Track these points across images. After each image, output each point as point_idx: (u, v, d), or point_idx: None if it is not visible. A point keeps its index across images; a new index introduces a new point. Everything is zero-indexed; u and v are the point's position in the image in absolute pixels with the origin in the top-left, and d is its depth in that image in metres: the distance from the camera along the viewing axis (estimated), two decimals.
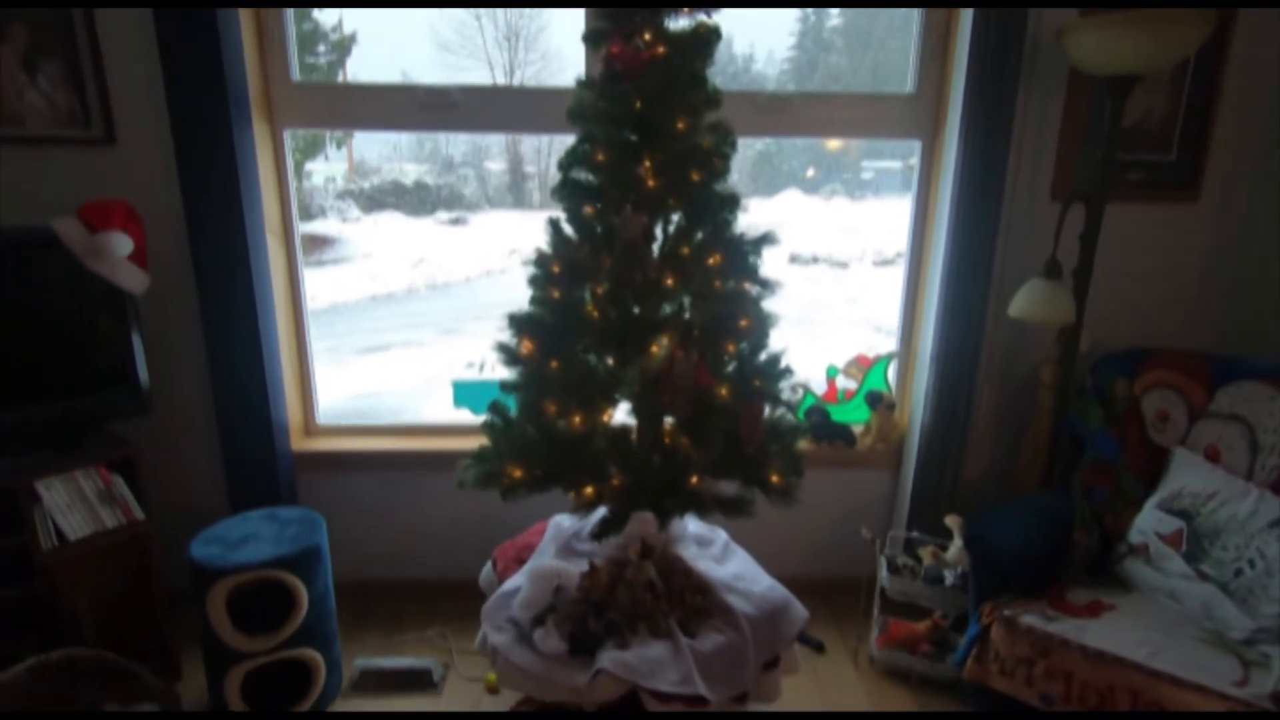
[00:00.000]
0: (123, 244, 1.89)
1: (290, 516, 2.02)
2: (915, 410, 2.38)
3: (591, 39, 1.54)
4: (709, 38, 1.52)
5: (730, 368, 1.64)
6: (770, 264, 1.66)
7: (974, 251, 2.16)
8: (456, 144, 5.25)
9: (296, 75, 2.22)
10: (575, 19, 2.23)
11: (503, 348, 1.68)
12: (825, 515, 2.49)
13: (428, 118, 2.24)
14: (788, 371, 1.66)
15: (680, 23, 1.54)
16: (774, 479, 1.58)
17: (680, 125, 1.52)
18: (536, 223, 1.67)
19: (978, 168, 2.10)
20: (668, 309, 1.55)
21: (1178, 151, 2.23)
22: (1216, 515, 1.81)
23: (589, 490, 1.54)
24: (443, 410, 2.55)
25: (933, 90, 2.26)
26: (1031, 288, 1.97)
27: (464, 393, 2.51)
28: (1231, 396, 1.94)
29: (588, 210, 1.60)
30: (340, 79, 3.34)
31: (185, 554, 1.82)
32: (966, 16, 2.03)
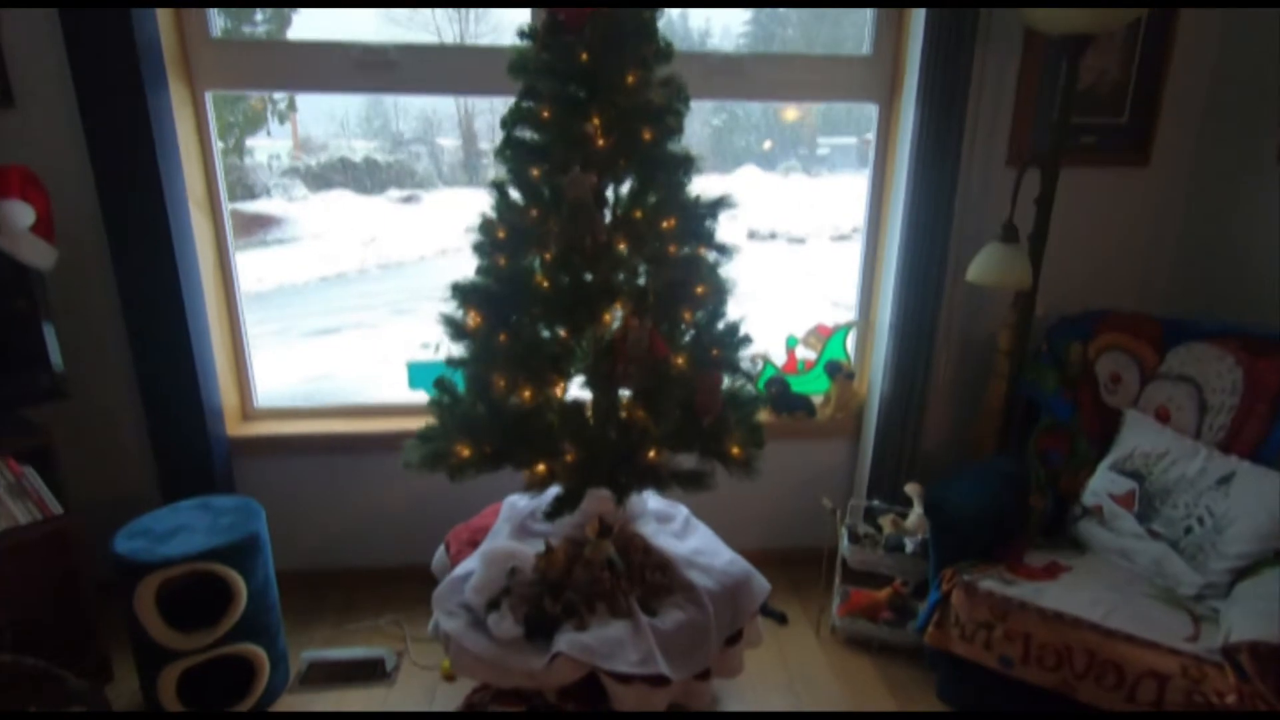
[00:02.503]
0: (23, 214, 1.72)
1: (225, 505, 1.90)
2: (874, 379, 2.36)
3: None
4: None
5: (687, 337, 1.58)
6: (728, 235, 1.60)
7: (931, 217, 2.13)
8: (407, 120, 5.04)
9: (216, 31, 2.06)
10: None
11: (449, 321, 1.59)
12: (785, 486, 2.47)
13: (365, 78, 2.11)
14: (746, 340, 1.61)
15: None
16: (734, 451, 1.53)
17: (630, 79, 1.43)
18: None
19: (935, 131, 2.07)
20: (620, 276, 1.48)
21: (1129, 115, 2.23)
22: (1167, 475, 1.83)
23: (541, 468, 1.46)
24: (398, 393, 2.44)
25: (889, 52, 2.22)
26: (989, 252, 1.95)
27: (419, 374, 2.41)
28: (1181, 358, 1.97)
29: (534, 172, 1.51)
30: None
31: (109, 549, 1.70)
32: None
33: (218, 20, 2.05)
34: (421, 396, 2.40)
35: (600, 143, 1.45)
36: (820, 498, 2.40)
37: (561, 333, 1.46)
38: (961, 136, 2.09)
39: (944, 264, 2.19)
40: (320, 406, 2.42)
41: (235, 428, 2.27)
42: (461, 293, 1.51)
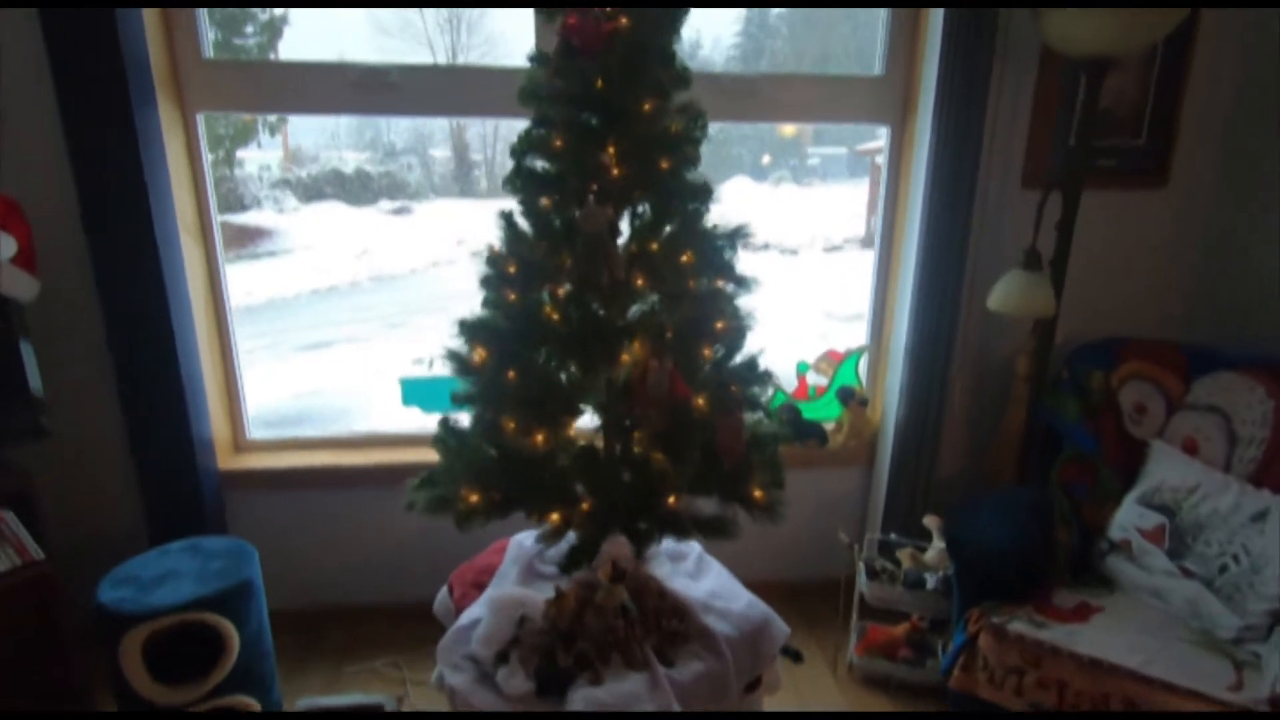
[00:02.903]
0: (4, 245, 1.63)
1: (216, 548, 1.81)
2: (888, 405, 2.30)
3: (545, 9, 1.37)
4: (677, 8, 1.37)
5: (705, 372, 1.50)
6: (747, 265, 1.53)
7: (947, 241, 2.08)
8: (398, 131, 4.96)
9: (209, 52, 1.98)
10: None
11: (453, 355, 1.51)
12: (798, 516, 2.39)
13: (363, 100, 2.03)
14: (766, 375, 1.53)
15: None
16: (756, 494, 1.45)
17: (646, 107, 1.36)
18: (484, 212, 1.50)
19: (951, 153, 2.01)
20: (637, 311, 1.40)
21: (1147, 136, 2.18)
22: (1198, 510, 1.77)
23: (555, 517, 1.38)
24: (391, 409, 2.35)
25: (902, 72, 2.16)
26: (1010, 279, 1.89)
27: (412, 390, 2.32)
28: (1208, 387, 1.91)
29: (544, 202, 1.44)
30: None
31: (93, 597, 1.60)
32: None
33: (209, 39, 1.96)
34: (415, 419, 2.32)
35: (615, 172, 1.38)
36: (834, 528, 2.33)
37: (575, 372, 1.38)
38: (978, 158, 2.04)
39: (960, 287, 2.14)
40: (317, 438, 2.33)
41: (227, 461, 2.18)
42: (469, 330, 1.43)
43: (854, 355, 2.37)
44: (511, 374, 1.42)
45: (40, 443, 1.78)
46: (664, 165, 1.38)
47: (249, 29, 3.19)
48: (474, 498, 1.40)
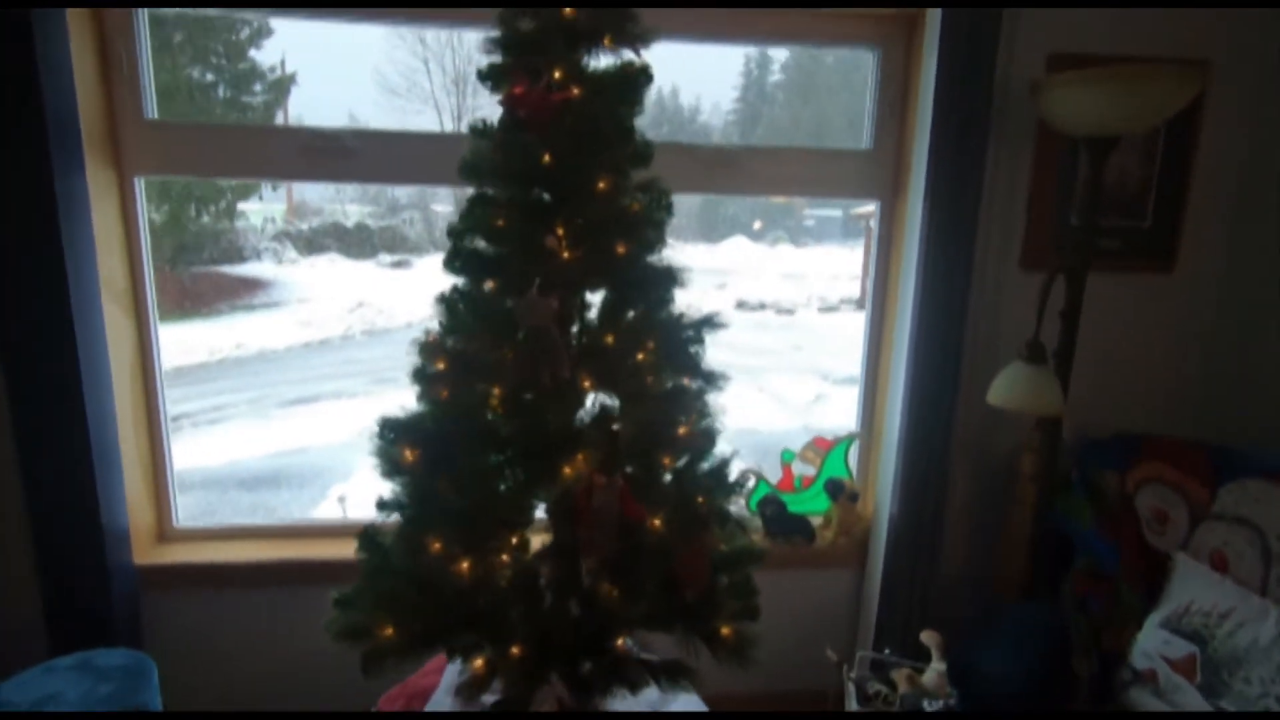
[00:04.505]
0: None
1: (110, 664, 1.58)
2: (881, 500, 2.09)
3: (490, 78, 1.23)
4: (637, 80, 1.23)
5: (666, 481, 1.31)
6: (718, 312, 1.35)
7: (943, 323, 1.92)
8: (404, 186, 4.87)
9: (152, 112, 1.85)
10: None
11: (382, 453, 1.31)
12: (782, 622, 2.15)
13: (316, 166, 1.89)
14: (737, 486, 1.34)
15: (602, 61, 1.25)
16: (724, 631, 1.24)
17: (602, 185, 1.21)
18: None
19: (945, 232, 1.87)
20: (585, 414, 1.22)
21: (1153, 218, 2.05)
22: (1235, 639, 1.55)
23: (479, 663, 1.17)
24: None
25: (892, 146, 2.04)
26: (1012, 373, 1.71)
27: None
28: (1236, 496, 1.72)
29: (488, 285, 1.27)
30: (280, 120, 2.97)
31: None
32: (929, 66, 1.82)
33: (151, 97, 1.84)
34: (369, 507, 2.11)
35: (566, 255, 1.22)
36: (821, 635, 2.10)
37: (513, 484, 1.19)
38: (973, 237, 1.90)
39: (956, 373, 1.96)
40: (255, 526, 2.11)
41: (146, 554, 1.96)
42: (394, 430, 1.24)
43: (843, 444, 2.18)
44: (442, 481, 1.23)
45: None
46: (621, 250, 1.22)
47: (257, 87, 3.13)
48: (388, 631, 1.19)
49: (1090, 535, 1.81)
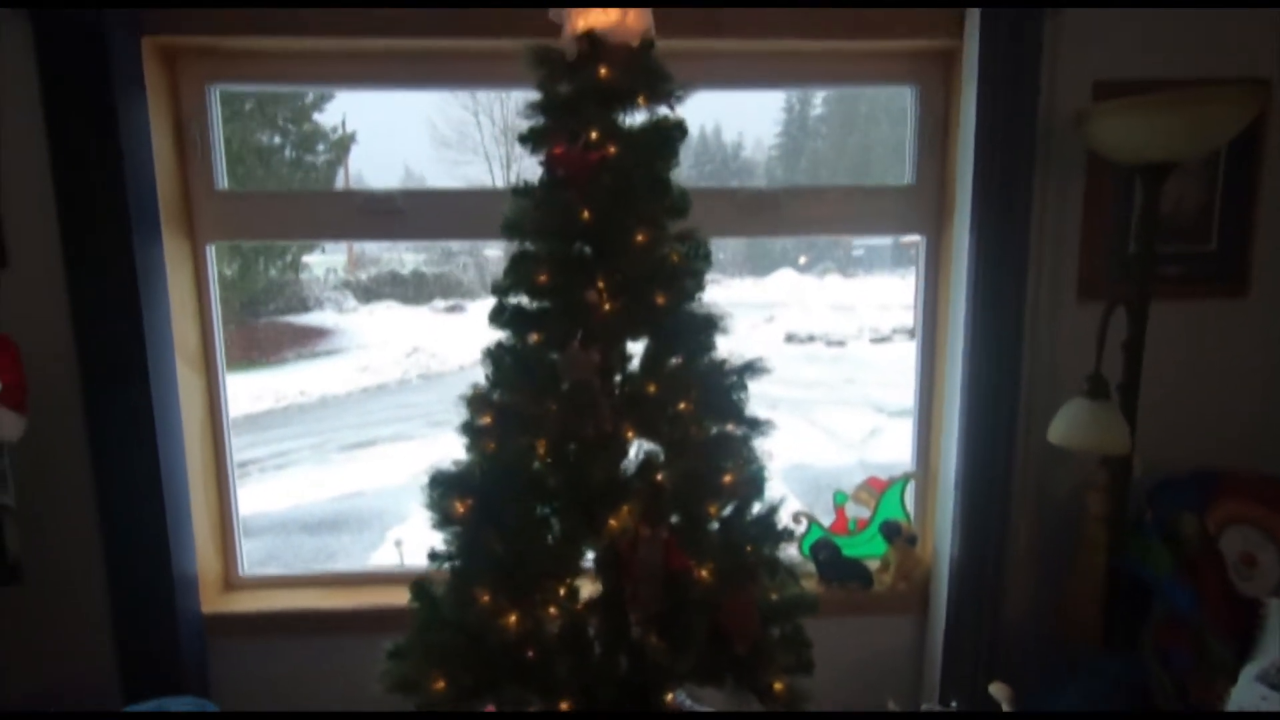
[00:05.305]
0: None
1: (178, 711, 1.63)
2: (940, 543, 2.02)
3: (531, 140, 1.28)
4: (671, 134, 1.26)
5: (712, 530, 1.30)
6: (766, 345, 1.35)
7: (996, 360, 1.86)
8: None
9: (223, 182, 1.98)
10: None
11: (434, 505, 1.34)
12: (840, 672, 2.08)
13: (369, 226, 1.99)
14: (787, 533, 1.32)
15: (636, 118, 1.29)
16: (776, 686, 1.21)
17: (640, 238, 1.24)
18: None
19: (994, 266, 1.82)
20: (630, 463, 1.23)
21: (1219, 240, 1.96)
22: None
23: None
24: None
25: (934, 181, 2.02)
26: (1074, 410, 1.65)
27: None
28: None
29: (533, 338, 1.31)
30: (340, 177, 3.18)
31: None
32: (969, 100, 1.80)
33: (221, 169, 1.97)
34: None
35: (606, 308, 1.24)
36: (882, 686, 2.01)
37: (560, 536, 1.20)
38: (1025, 270, 1.85)
39: (1014, 409, 1.89)
40: (319, 574, 2.17)
41: (213, 602, 2.03)
42: (444, 483, 1.27)
43: (898, 484, 2.12)
44: (490, 533, 1.25)
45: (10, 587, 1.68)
46: (660, 300, 1.24)
47: (320, 147, 3.35)
48: (439, 684, 1.20)
49: (1169, 581, 1.70)
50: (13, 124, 1.74)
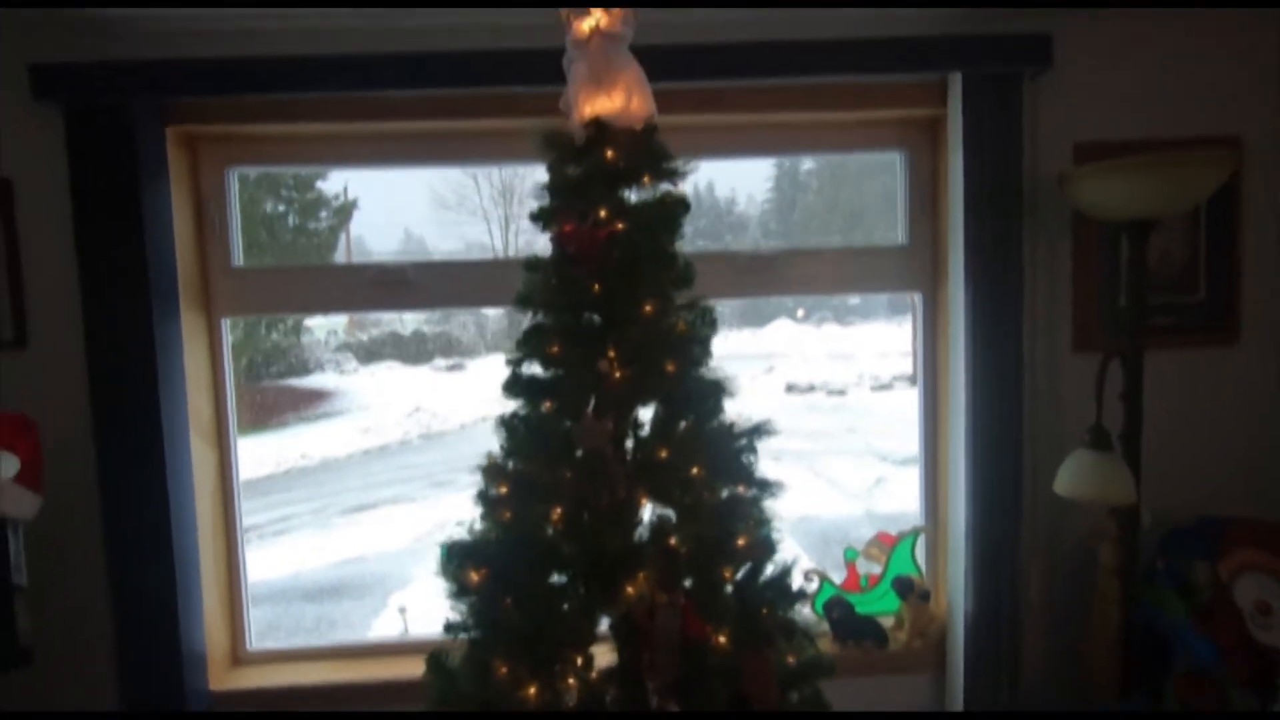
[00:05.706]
0: (7, 465, 1.61)
1: None
2: (955, 596, 2.01)
3: (541, 219, 1.34)
4: (675, 210, 1.32)
5: (727, 594, 1.30)
6: (767, 396, 1.38)
7: (998, 413, 1.89)
8: None
9: (239, 260, 2.05)
10: None
11: (450, 575, 1.35)
12: None
13: (379, 296, 2.04)
14: (801, 594, 1.33)
15: (642, 194, 1.35)
16: None
17: (648, 309, 1.28)
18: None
19: (990, 322, 1.88)
20: (643, 529, 1.24)
21: (1206, 290, 2.01)
22: None
23: None
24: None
25: (927, 241, 2.09)
26: (1077, 461, 1.67)
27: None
28: None
29: (546, 406, 1.34)
30: (342, 241, 3.28)
31: None
32: (956, 164, 1.88)
33: (238, 247, 2.04)
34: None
35: (617, 375, 1.28)
36: None
37: (576, 604, 1.21)
38: (1020, 325, 1.90)
39: (1018, 461, 1.91)
40: (328, 646, 2.15)
41: (222, 679, 2.00)
42: (460, 554, 1.28)
43: (909, 539, 2.12)
44: (507, 602, 1.26)
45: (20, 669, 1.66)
46: (670, 368, 1.28)
47: (323, 214, 3.46)
48: None
49: (1186, 632, 1.69)
50: (40, 208, 1.81)
